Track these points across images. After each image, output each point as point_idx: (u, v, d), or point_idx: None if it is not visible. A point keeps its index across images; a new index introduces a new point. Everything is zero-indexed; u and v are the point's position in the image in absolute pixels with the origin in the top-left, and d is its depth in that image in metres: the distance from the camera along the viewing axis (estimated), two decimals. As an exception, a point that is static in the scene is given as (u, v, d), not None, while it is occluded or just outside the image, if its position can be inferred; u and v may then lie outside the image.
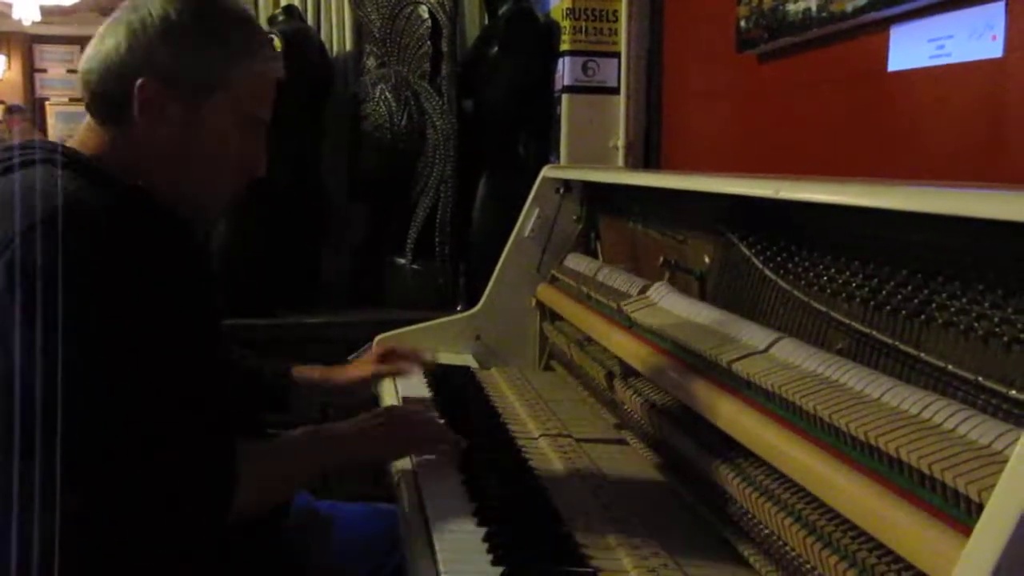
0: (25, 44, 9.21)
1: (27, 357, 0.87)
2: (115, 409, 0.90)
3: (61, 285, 0.88)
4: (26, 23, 6.53)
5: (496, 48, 2.58)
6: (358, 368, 1.60)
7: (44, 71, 9.30)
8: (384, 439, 1.24)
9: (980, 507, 0.60)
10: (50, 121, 8.90)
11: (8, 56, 9.25)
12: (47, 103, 9.25)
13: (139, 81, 1.05)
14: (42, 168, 1.00)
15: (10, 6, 6.40)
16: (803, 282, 1.07)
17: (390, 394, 1.66)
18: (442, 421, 1.43)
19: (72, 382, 0.87)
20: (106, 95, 1.08)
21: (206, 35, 1.08)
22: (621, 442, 1.39)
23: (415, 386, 1.68)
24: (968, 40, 1.20)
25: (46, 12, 6.35)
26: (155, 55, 1.06)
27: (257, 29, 1.17)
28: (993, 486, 0.58)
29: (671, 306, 1.28)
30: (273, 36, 2.52)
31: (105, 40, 1.08)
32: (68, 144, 1.09)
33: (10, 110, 6.29)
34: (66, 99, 9.02)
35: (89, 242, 0.92)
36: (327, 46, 2.86)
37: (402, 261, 2.69)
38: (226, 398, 1.12)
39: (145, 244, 0.99)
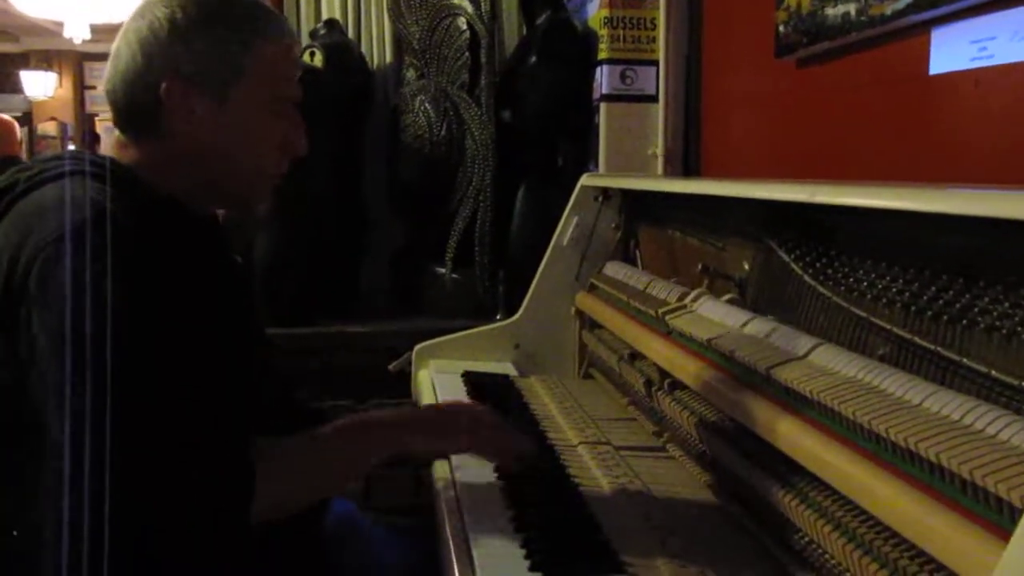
0: (76, 62, 9.44)
1: (50, 368, 0.88)
2: (131, 415, 0.87)
3: (88, 293, 0.88)
4: (77, 41, 6.68)
5: (534, 58, 2.59)
6: None
7: (94, 88, 9.53)
8: (449, 428, 1.18)
9: (1023, 513, 0.59)
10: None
11: (60, 74, 9.49)
12: (96, 119, 9.49)
13: (163, 85, 1.06)
14: (71, 180, 1.00)
15: (61, 25, 6.56)
16: (843, 288, 1.05)
17: (429, 399, 1.67)
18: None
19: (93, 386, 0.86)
20: (133, 108, 1.10)
21: (215, 27, 1.08)
22: (661, 450, 1.38)
23: (455, 395, 1.69)
24: (1011, 41, 1.18)
25: (95, 30, 6.48)
26: (171, 58, 1.07)
27: (263, 9, 1.15)
28: (1035, 492, 0.57)
29: (710, 313, 1.27)
30: (287, 20, 2.55)
31: (120, 55, 1.09)
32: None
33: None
34: (115, 115, 9.24)
35: (113, 252, 0.92)
36: (367, 58, 2.90)
37: (441, 270, 2.71)
38: (254, 404, 1.10)
39: (167, 254, 0.99)
